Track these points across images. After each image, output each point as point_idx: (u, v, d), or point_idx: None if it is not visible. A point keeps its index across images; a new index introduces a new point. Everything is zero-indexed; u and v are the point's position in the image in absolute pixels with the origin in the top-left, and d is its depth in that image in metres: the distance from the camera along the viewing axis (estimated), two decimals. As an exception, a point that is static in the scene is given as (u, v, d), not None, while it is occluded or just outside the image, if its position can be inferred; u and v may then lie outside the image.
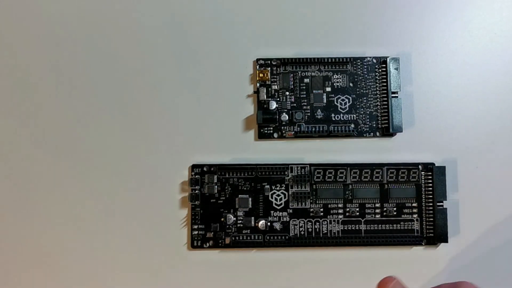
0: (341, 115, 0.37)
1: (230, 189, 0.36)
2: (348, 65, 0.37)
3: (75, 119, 0.37)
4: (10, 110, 0.37)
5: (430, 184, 0.36)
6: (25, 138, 0.37)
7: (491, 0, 0.38)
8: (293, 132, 0.37)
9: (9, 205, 0.36)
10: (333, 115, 0.37)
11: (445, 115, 0.37)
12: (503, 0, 0.38)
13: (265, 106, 0.37)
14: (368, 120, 0.37)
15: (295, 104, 0.37)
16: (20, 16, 0.38)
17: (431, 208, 0.36)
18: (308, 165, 0.36)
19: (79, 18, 0.38)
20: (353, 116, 0.37)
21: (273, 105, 0.36)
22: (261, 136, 0.37)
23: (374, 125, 0.37)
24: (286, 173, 0.36)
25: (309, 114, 0.37)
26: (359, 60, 0.37)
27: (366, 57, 0.37)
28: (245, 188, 0.36)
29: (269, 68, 0.37)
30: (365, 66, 0.37)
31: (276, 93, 0.37)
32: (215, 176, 0.36)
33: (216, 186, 0.36)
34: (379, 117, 0.37)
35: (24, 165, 0.37)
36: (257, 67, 0.37)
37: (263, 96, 0.37)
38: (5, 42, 0.38)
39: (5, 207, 0.36)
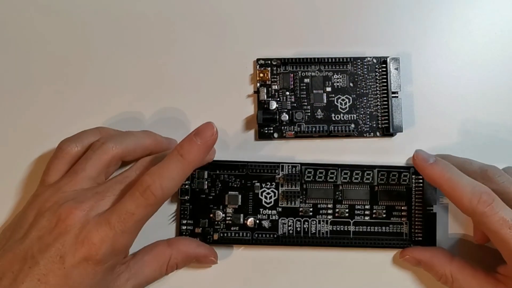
0: (341, 115, 0.37)
1: (220, 185, 0.36)
2: (348, 65, 0.37)
3: (71, 117, 0.37)
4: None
5: (421, 188, 0.36)
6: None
7: (491, 0, 0.38)
8: (293, 132, 0.36)
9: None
10: (333, 115, 0.37)
11: (445, 115, 0.37)
12: (503, 0, 0.38)
13: (265, 106, 0.37)
14: (368, 120, 0.37)
15: (295, 104, 0.37)
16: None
17: (420, 212, 0.35)
18: (299, 165, 0.36)
19: (79, 19, 0.38)
20: (353, 116, 0.37)
21: (273, 105, 0.36)
22: (261, 136, 0.37)
23: (374, 125, 0.37)
24: (277, 171, 0.36)
25: (309, 114, 0.37)
26: (359, 60, 0.37)
27: (366, 57, 0.37)
28: (235, 185, 0.36)
29: (269, 68, 0.37)
30: (365, 66, 0.37)
31: (276, 93, 0.37)
32: (206, 172, 0.36)
33: (206, 182, 0.36)
34: (379, 117, 0.37)
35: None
36: (257, 67, 0.37)
37: (263, 96, 0.37)
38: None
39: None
